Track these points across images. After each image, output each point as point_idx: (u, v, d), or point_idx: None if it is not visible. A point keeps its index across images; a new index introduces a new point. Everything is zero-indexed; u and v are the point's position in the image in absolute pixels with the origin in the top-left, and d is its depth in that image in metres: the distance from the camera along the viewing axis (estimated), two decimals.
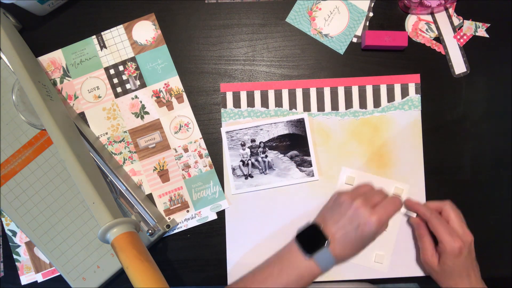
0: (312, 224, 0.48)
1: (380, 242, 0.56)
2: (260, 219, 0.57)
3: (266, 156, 0.57)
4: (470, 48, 0.59)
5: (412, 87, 0.58)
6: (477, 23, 0.59)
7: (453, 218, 0.50)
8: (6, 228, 0.57)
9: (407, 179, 0.57)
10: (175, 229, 0.57)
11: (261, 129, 0.57)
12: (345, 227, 0.46)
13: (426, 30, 0.59)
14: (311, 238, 0.47)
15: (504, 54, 0.59)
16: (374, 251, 0.56)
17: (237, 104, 0.58)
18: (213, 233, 0.57)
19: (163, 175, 0.58)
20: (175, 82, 0.58)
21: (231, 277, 0.56)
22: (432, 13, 0.59)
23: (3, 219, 0.57)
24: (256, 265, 0.56)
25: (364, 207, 0.45)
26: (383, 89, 0.58)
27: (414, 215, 0.55)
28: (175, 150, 0.58)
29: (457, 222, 0.49)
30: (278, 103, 0.58)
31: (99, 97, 0.58)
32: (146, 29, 0.59)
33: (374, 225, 0.44)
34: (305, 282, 0.46)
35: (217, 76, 0.59)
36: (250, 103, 0.58)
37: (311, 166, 0.57)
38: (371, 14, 0.59)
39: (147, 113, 0.58)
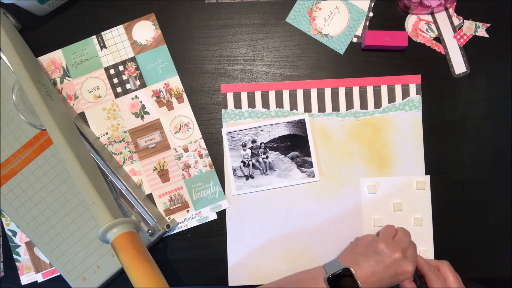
0: (344, 267, 0.49)
1: None
2: (260, 219, 0.57)
3: (267, 157, 0.57)
4: (470, 48, 0.59)
5: (413, 88, 0.58)
6: (477, 23, 0.59)
7: (451, 279, 0.50)
8: (6, 228, 0.57)
9: (408, 179, 0.57)
10: (175, 229, 0.57)
11: (262, 130, 0.57)
12: (380, 274, 0.47)
13: (426, 30, 0.59)
14: (341, 281, 0.48)
15: (504, 54, 0.59)
16: None
17: (237, 105, 0.58)
18: (213, 233, 0.57)
19: (163, 175, 0.57)
20: (175, 82, 0.58)
21: (231, 277, 0.56)
22: (432, 13, 0.59)
23: (3, 219, 0.57)
24: (256, 265, 0.56)
25: (402, 259, 0.48)
26: (384, 90, 0.58)
27: None
28: (175, 150, 0.58)
29: (454, 283, 0.49)
30: (279, 104, 0.58)
31: (99, 97, 0.58)
32: (146, 29, 0.59)
33: (410, 273, 0.47)
34: None
35: (217, 76, 0.59)
36: (251, 104, 0.58)
37: (312, 167, 0.57)
38: (371, 14, 0.59)
39: (147, 113, 0.58)
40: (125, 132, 0.58)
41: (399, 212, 0.57)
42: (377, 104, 0.58)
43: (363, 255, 0.50)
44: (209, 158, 0.58)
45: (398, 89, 0.58)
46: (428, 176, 0.57)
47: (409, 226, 0.56)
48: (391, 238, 0.51)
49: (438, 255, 0.56)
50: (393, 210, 0.57)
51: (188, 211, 0.57)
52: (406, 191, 0.57)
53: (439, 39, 0.59)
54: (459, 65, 0.59)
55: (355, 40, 0.59)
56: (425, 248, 0.56)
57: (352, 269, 0.48)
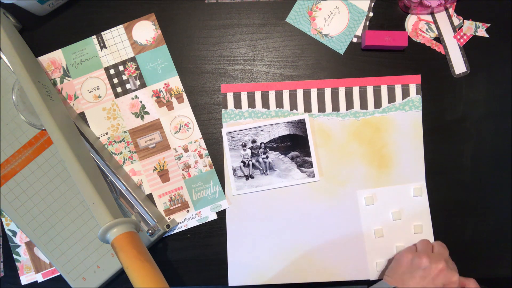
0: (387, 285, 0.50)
1: (381, 252, 0.56)
2: (260, 219, 0.57)
3: (267, 157, 0.57)
4: (470, 48, 0.59)
5: (413, 88, 0.58)
6: (477, 23, 0.59)
7: None
8: (6, 228, 0.57)
9: (408, 180, 0.57)
10: (175, 229, 0.57)
11: (262, 130, 0.57)
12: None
13: (426, 30, 0.59)
14: None
15: (504, 54, 0.58)
16: (374, 260, 0.56)
17: (237, 105, 0.58)
18: (213, 233, 0.57)
19: (163, 175, 0.57)
20: (175, 82, 0.58)
21: (231, 277, 0.56)
22: (432, 13, 0.59)
23: (3, 219, 0.57)
24: (256, 265, 0.56)
25: (448, 269, 0.49)
26: (384, 90, 0.58)
27: None
28: (175, 150, 0.58)
29: None
30: (279, 104, 0.58)
31: (99, 97, 0.58)
32: (146, 29, 0.59)
33: (457, 283, 0.48)
34: None
35: (217, 76, 0.59)
36: (251, 104, 0.58)
37: (311, 167, 0.57)
38: (371, 14, 0.59)
39: (147, 113, 0.58)
40: (125, 132, 0.58)
41: (398, 221, 0.57)
42: (377, 104, 0.58)
43: (408, 273, 0.50)
44: (209, 158, 0.58)
45: (398, 89, 0.58)
46: (424, 183, 0.57)
47: (409, 234, 0.56)
48: (431, 251, 0.52)
49: None
50: (392, 220, 0.57)
51: (188, 211, 0.57)
52: (404, 199, 0.57)
53: (439, 39, 0.59)
54: (459, 65, 0.59)
55: (355, 40, 0.59)
56: None
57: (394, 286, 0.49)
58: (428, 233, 0.56)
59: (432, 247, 0.53)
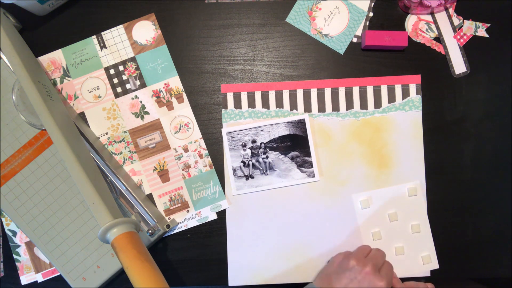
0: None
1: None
2: (260, 219, 0.57)
3: (267, 157, 0.57)
4: (470, 48, 0.59)
5: (413, 88, 0.58)
6: (477, 23, 0.59)
7: None
8: (6, 228, 0.57)
9: (408, 180, 0.57)
10: (175, 229, 0.57)
11: (262, 130, 0.57)
12: None
13: (426, 30, 0.59)
14: None
15: (504, 54, 0.59)
16: None
17: (237, 105, 0.58)
18: (213, 233, 0.57)
19: (163, 175, 0.57)
20: (175, 82, 0.58)
21: (231, 277, 0.56)
22: (432, 13, 0.59)
23: (3, 219, 0.57)
24: (256, 265, 0.56)
25: (374, 274, 0.48)
26: (384, 90, 0.58)
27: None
28: (175, 150, 0.58)
29: None
30: (279, 104, 0.58)
31: (99, 97, 0.58)
32: (146, 29, 0.59)
33: None
34: None
35: (217, 76, 0.59)
36: (251, 104, 0.58)
37: (311, 167, 0.57)
38: (371, 14, 0.59)
39: (147, 113, 0.58)
40: (125, 132, 0.58)
41: (395, 222, 0.57)
42: (377, 104, 0.58)
43: (335, 273, 0.50)
44: (209, 158, 0.58)
45: (398, 89, 0.58)
46: (418, 182, 0.57)
47: (407, 234, 0.56)
48: (364, 256, 0.51)
49: (440, 255, 0.56)
50: (389, 221, 0.57)
51: (188, 211, 0.57)
52: (399, 200, 0.57)
53: (439, 39, 0.59)
54: (459, 65, 0.59)
55: (355, 40, 0.59)
56: (428, 253, 0.56)
57: None
58: (426, 231, 0.56)
59: (368, 252, 0.52)
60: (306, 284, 0.56)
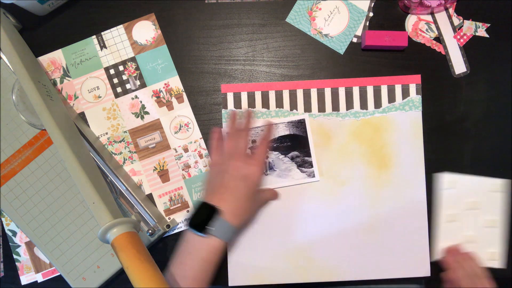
0: (198, 203, 0.48)
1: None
2: (260, 219, 0.57)
3: (267, 157, 0.57)
4: (470, 48, 0.59)
5: (413, 88, 0.58)
6: (477, 23, 0.59)
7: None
8: (6, 228, 0.57)
9: (408, 180, 0.57)
10: (175, 229, 0.57)
11: (262, 130, 0.57)
12: (230, 185, 0.47)
13: (426, 30, 0.59)
14: (201, 217, 0.47)
15: (504, 54, 0.59)
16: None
17: (237, 105, 0.58)
18: None
19: (163, 175, 0.58)
20: (175, 82, 0.58)
21: (231, 277, 0.56)
22: (432, 13, 0.59)
23: (3, 219, 0.57)
24: (256, 265, 0.56)
25: (241, 161, 0.47)
26: (384, 90, 0.58)
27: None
28: (175, 150, 0.58)
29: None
30: (279, 104, 0.58)
31: (99, 97, 0.58)
32: (146, 29, 0.59)
33: (258, 171, 0.47)
34: (214, 260, 0.47)
35: (217, 76, 0.59)
36: (251, 104, 0.58)
37: (312, 166, 0.57)
38: (371, 14, 0.59)
39: (147, 113, 0.58)
40: (125, 132, 0.58)
41: (473, 210, 0.56)
42: (377, 104, 0.58)
43: (209, 182, 0.51)
44: (209, 158, 0.58)
45: (398, 89, 0.58)
46: (509, 181, 0.56)
47: (480, 227, 0.56)
48: (226, 152, 0.51)
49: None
50: (466, 209, 0.56)
51: (188, 211, 0.57)
52: (482, 191, 0.56)
53: (439, 39, 0.59)
54: (459, 65, 0.59)
55: (355, 40, 0.59)
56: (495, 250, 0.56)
57: (201, 200, 0.48)
58: (499, 229, 0.56)
59: (229, 147, 0.52)
60: (306, 284, 0.56)
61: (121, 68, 0.58)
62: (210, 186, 0.51)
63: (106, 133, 0.58)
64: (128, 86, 0.58)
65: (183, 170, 0.58)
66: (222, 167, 0.49)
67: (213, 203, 0.47)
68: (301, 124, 0.58)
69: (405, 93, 0.58)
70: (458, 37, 0.59)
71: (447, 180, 0.56)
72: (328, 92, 0.58)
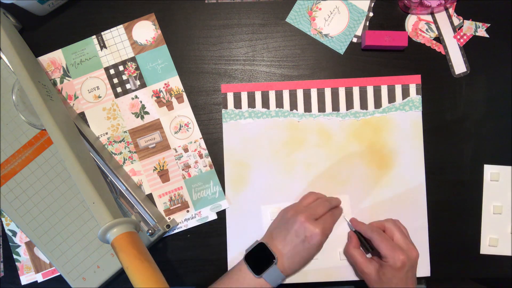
0: (259, 243, 0.51)
1: None
2: (260, 219, 0.57)
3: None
4: (470, 48, 0.59)
5: (413, 88, 0.58)
6: (477, 23, 0.59)
7: (397, 235, 0.50)
8: (6, 228, 0.57)
9: (408, 180, 0.57)
10: (175, 229, 0.57)
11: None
12: (292, 241, 0.48)
13: (426, 30, 0.59)
14: (259, 257, 0.50)
15: (504, 54, 0.59)
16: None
17: (237, 104, 0.58)
18: (213, 233, 0.57)
19: (163, 175, 0.58)
20: (175, 82, 0.58)
21: None
22: (432, 13, 0.59)
23: (3, 219, 0.57)
24: None
25: (308, 221, 0.48)
26: (384, 90, 0.58)
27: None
28: (175, 150, 0.58)
29: (401, 239, 0.50)
30: (279, 104, 0.58)
31: (99, 97, 0.58)
32: (146, 29, 0.59)
33: (319, 235, 0.48)
34: None
35: (217, 76, 0.59)
36: (251, 104, 0.58)
37: None
38: (371, 14, 0.59)
39: (147, 113, 0.58)
40: (125, 132, 0.58)
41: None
42: (377, 104, 0.58)
43: (277, 228, 0.51)
44: (209, 158, 0.58)
45: (398, 89, 0.58)
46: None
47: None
48: (304, 205, 0.52)
49: (439, 256, 0.56)
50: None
51: (188, 211, 0.57)
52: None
53: (439, 39, 0.59)
54: (459, 65, 0.59)
55: (355, 40, 0.59)
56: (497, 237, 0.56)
57: (265, 242, 0.50)
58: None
59: (311, 201, 0.52)
60: (306, 284, 0.56)
61: (121, 68, 0.58)
62: (276, 230, 0.51)
63: (106, 133, 0.58)
64: (128, 86, 0.58)
65: (183, 170, 0.58)
66: (292, 217, 0.50)
67: (272, 248, 0.49)
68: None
69: (405, 93, 0.58)
70: (458, 37, 0.59)
71: (491, 172, 0.57)
72: (328, 92, 0.58)
